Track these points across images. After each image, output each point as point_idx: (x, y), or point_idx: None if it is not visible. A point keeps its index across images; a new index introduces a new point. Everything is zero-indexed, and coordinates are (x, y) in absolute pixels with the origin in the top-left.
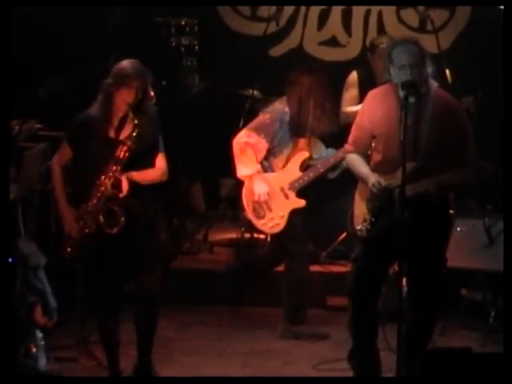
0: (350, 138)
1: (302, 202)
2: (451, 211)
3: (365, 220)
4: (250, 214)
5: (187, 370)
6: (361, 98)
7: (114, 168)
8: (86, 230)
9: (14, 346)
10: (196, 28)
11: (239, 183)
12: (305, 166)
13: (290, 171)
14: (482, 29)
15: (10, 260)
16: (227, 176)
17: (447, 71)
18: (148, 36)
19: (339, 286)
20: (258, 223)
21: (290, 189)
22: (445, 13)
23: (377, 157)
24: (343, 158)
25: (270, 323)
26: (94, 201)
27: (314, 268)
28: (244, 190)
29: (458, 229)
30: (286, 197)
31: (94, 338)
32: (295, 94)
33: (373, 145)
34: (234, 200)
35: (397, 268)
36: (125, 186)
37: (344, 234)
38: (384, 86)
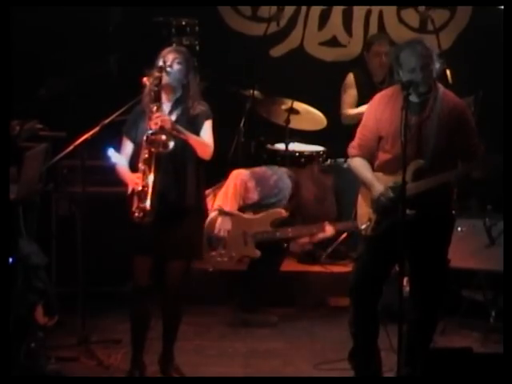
0: (355, 140)
1: (257, 254)
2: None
3: (369, 219)
4: (204, 241)
5: (188, 369)
6: (359, 98)
7: (154, 108)
8: (145, 180)
9: (14, 346)
10: (196, 28)
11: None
12: (275, 224)
13: (261, 221)
14: (483, 29)
15: (11, 260)
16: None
17: (448, 71)
18: (148, 36)
19: (340, 286)
20: (207, 254)
21: (252, 237)
22: (445, 13)
23: (384, 156)
24: (315, 234)
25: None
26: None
27: (315, 268)
28: (208, 220)
29: (459, 229)
30: (245, 242)
31: (95, 338)
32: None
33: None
34: None
35: (397, 268)
36: (168, 122)
37: (344, 234)
38: (391, 88)
